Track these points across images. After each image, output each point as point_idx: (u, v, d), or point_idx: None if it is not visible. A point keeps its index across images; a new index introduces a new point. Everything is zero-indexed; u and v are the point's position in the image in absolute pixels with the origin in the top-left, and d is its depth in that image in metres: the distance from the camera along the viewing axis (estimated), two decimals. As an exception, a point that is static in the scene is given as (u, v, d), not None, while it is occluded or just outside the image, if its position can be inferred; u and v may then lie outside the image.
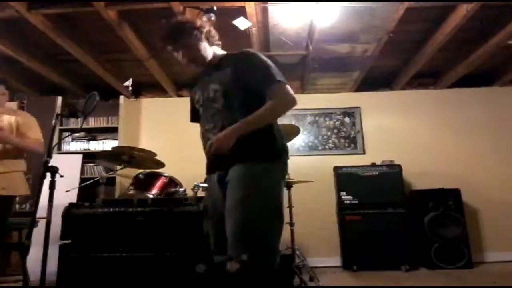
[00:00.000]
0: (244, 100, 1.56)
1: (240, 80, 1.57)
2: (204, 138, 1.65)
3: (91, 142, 4.58)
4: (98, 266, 2.20)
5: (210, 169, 1.65)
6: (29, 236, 1.96)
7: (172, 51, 1.69)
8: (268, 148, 1.54)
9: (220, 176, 1.56)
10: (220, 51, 1.77)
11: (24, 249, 1.94)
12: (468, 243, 3.88)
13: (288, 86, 1.56)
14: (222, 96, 1.59)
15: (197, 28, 1.65)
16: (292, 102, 1.56)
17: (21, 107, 4.67)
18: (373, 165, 4.26)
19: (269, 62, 1.61)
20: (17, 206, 4.20)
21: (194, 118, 1.85)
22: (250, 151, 1.49)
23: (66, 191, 3.13)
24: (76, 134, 4.57)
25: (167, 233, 2.23)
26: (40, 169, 2.03)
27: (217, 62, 1.70)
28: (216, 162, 1.56)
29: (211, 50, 1.71)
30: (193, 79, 1.87)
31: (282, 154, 1.57)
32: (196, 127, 1.78)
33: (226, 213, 1.43)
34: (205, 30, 1.67)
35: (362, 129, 4.76)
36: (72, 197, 3.78)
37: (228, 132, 1.46)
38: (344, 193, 4.10)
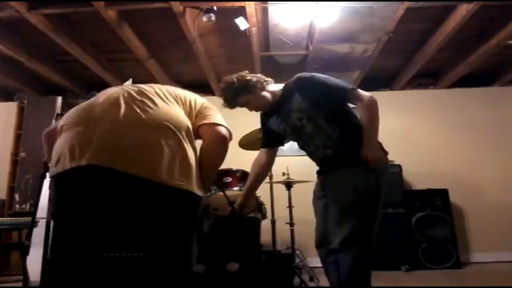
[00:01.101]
0: (327, 116, 1.75)
1: (315, 102, 1.75)
2: (315, 156, 1.90)
3: (91, 142, 4.58)
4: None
5: (320, 172, 1.94)
6: (29, 236, 1.96)
7: (239, 106, 1.91)
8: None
9: (323, 179, 1.86)
10: (275, 87, 1.93)
11: (24, 249, 1.93)
12: (456, 244, 3.89)
13: (359, 90, 1.76)
14: (308, 120, 1.77)
15: (247, 84, 1.83)
16: (373, 99, 1.75)
17: (21, 107, 4.67)
18: (373, 165, 4.25)
19: (329, 78, 1.79)
20: (17, 206, 4.20)
21: (267, 145, 2.06)
22: (354, 157, 1.69)
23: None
24: (76, 134, 4.56)
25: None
26: (40, 169, 2.03)
27: (280, 98, 1.88)
28: (325, 166, 1.84)
29: (268, 93, 1.89)
30: (264, 116, 2.05)
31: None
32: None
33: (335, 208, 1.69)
34: (256, 81, 1.85)
35: (362, 129, 4.75)
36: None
37: (373, 147, 1.67)
38: (344, 193, 4.10)
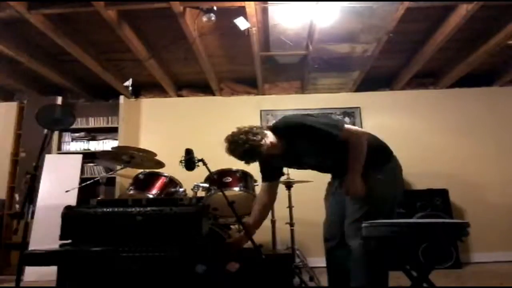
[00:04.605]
0: (333, 152, 1.97)
1: (319, 146, 1.94)
2: (328, 172, 2.24)
3: (91, 142, 4.58)
4: (98, 266, 2.20)
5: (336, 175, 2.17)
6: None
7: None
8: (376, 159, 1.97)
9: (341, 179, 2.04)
10: (272, 138, 1.93)
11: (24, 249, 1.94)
12: (456, 244, 3.87)
13: (347, 127, 1.92)
14: (325, 158, 2.03)
15: (261, 148, 1.86)
16: (359, 140, 1.89)
17: (21, 107, 4.67)
18: (373, 165, 4.25)
19: (318, 123, 1.89)
20: (17, 206, 4.20)
21: (270, 178, 2.17)
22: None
23: (66, 191, 3.12)
24: (76, 134, 4.57)
25: (167, 233, 2.23)
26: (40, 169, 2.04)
27: (281, 147, 1.94)
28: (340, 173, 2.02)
29: (268, 146, 1.89)
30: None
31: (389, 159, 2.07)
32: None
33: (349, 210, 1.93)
34: (266, 142, 1.88)
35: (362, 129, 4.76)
36: (72, 197, 3.77)
37: (354, 182, 1.87)
38: (344, 193, 4.10)
